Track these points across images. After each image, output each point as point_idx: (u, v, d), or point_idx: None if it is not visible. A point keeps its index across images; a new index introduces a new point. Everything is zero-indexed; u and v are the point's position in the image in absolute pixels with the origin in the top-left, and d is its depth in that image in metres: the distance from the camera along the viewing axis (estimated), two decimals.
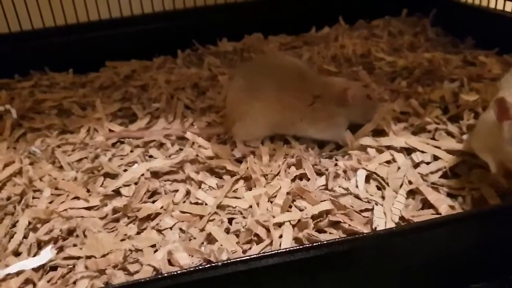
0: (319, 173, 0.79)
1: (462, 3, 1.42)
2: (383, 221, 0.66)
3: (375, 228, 0.65)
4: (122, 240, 0.68)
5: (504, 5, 1.28)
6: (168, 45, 1.38)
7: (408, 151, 0.80)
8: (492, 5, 1.32)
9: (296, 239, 0.65)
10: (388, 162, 0.78)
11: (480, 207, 0.68)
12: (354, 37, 1.39)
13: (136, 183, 0.78)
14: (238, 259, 0.51)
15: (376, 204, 0.69)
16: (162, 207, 0.73)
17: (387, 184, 0.74)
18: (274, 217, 0.67)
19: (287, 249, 0.51)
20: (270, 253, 0.51)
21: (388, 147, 0.81)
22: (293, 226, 0.67)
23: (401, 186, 0.72)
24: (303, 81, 0.86)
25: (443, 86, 1.03)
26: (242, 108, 0.87)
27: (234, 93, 0.91)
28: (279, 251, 0.51)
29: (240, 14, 1.46)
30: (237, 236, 0.67)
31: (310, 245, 0.51)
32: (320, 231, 0.67)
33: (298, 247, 0.52)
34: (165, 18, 1.42)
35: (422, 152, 0.79)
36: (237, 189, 0.76)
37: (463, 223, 0.58)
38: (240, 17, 1.45)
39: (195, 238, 0.67)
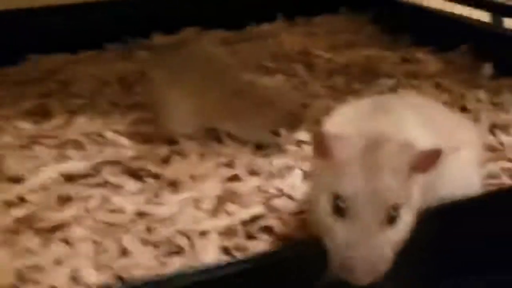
0: (253, 174, 0.72)
1: (400, 2, 1.41)
2: None
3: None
4: (23, 255, 0.59)
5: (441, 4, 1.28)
6: (96, 38, 1.28)
7: None
8: (429, 4, 1.32)
9: (224, 249, 0.58)
10: None
11: None
12: (293, 34, 1.35)
13: (45, 189, 0.69)
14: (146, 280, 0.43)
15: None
16: (73, 216, 0.64)
17: None
18: (199, 224, 0.60)
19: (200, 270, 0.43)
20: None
21: None
22: (220, 233, 0.60)
23: None
24: (224, 75, 0.83)
25: (380, 83, 1.00)
26: (164, 97, 0.82)
27: (157, 82, 0.86)
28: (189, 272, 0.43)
29: (176, 7, 1.38)
30: (156, 247, 0.59)
31: (225, 263, 0.44)
32: (251, 237, 0.61)
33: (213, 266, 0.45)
34: (93, 9, 1.32)
35: None
36: (160, 193, 0.69)
37: None
38: (176, 10, 1.37)
39: (108, 252, 0.59)
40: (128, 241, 0.59)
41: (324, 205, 0.42)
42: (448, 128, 0.59)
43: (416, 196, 0.44)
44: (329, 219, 0.42)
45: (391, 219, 0.41)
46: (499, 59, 1.04)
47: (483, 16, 1.20)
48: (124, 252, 0.58)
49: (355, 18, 1.47)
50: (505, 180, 0.71)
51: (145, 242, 0.60)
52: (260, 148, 0.81)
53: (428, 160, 0.43)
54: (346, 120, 0.51)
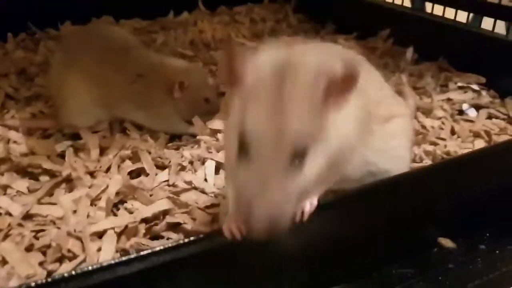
0: (161, 167, 0.66)
1: None
2: None
3: None
4: None
5: None
6: None
7: None
8: None
9: (122, 251, 0.51)
10: None
11: None
12: (215, 23, 1.30)
13: None
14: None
15: (224, 199, 0.58)
16: None
17: None
18: (93, 224, 0.53)
19: (83, 271, 0.36)
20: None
21: None
22: (119, 234, 0.53)
23: None
24: (127, 55, 0.74)
25: None
26: (59, 82, 0.74)
27: (53, 67, 0.78)
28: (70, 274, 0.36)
29: None
30: (44, 253, 0.51)
31: (116, 261, 0.37)
32: (157, 237, 0.54)
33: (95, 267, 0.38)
34: None
35: None
36: (54, 192, 0.60)
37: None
38: None
39: None
40: (5, 248, 0.50)
41: (233, 143, 0.36)
42: (381, 94, 0.54)
43: (332, 134, 0.37)
44: (235, 160, 0.36)
45: (297, 162, 0.35)
46: (420, 44, 1.03)
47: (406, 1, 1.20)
48: (2, 261, 0.50)
49: (278, 8, 1.43)
50: (428, 163, 0.68)
51: (30, 248, 0.51)
52: (172, 139, 0.74)
53: (344, 85, 0.35)
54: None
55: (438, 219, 0.55)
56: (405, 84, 0.89)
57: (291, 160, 0.34)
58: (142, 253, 0.38)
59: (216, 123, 0.73)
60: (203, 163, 0.65)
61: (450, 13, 1.03)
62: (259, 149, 0.34)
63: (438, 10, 1.06)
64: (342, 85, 0.35)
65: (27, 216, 0.56)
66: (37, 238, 0.53)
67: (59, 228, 0.54)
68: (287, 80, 0.35)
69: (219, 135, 0.71)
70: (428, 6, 1.13)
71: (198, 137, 0.70)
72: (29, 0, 1.21)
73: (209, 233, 0.45)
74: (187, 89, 0.73)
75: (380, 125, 0.48)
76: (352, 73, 0.35)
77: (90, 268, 0.35)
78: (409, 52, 1.03)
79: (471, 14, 0.99)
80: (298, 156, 0.35)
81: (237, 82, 0.36)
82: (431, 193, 0.54)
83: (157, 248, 0.39)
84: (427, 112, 0.82)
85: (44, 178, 0.64)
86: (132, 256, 0.37)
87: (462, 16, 1.02)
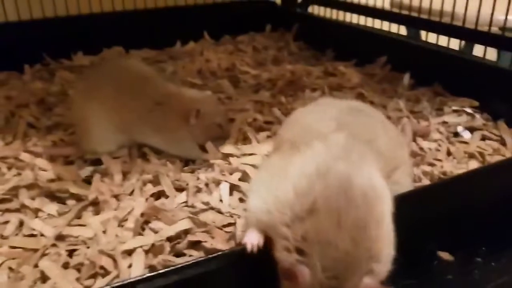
0: (179, 189, 0.71)
1: (322, 18, 1.46)
2: None
3: (239, 243, 0.58)
4: None
5: (359, 19, 1.34)
6: (14, 60, 1.22)
7: None
8: (348, 19, 1.37)
9: (150, 267, 0.56)
10: (253, 171, 0.73)
11: None
12: (220, 52, 1.36)
13: None
14: None
15: (239, 218, 0.63)
16: None
17: None
18: (123, 243, 0.58)
19: (124, 281, 0.41)
20: None
21: (251, 155, 0.76)
22: (147, 252, 0.58)
23: None
24: (145, 86, 0.80)
25: (305, 96, 1.02)
26: (82, 111, 0.79)
27: (75, 97, 0.84)
28: (115, 284, 0.41)
29: (97, 27, 1.34)
30: (79, 270, 0.56)
31: (152, 274, 0.42)
32: (179, 254, 0.59)
33: (137, 278, 0.43)
34: (10, 30, 1.26)
35: None
36: (82, 215, 0.65)
37: None
38: (98, 30, 1.34)
39: (25, 278, 0.55)
40: (46, 265, 0.55)
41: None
42: (392, 150, 0.59)
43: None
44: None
45: None
46: (416, 70, 1.09)
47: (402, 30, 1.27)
48: (43, 278, 0.54)
49: (279, 36, 1.50)
50: (426, 183, 0.73)
51: (66, 265, 0.56)
52: (186, 163, 0.79)
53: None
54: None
55: (437, 234, 0.60)
56: (403, 110, 0.94)
57: None
58: (172, 267, 0.43)
59: (227, 148, 0.78)
60: (217, 185, 0.70)
61: (443, 40, 1.10)
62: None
63: (432, 38, 1.13)
64: None
65: (60, 237, 0.61)
66: (71, 257, 0.58)
67: (89, 247, 0.59)
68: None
69: (231, 159, 0.76)
70: (423, 34, 1.20)
71: (211, 161, 0.76)
72: (43, 32, 1.28)
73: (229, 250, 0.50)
74: (202, 116, 0.78)
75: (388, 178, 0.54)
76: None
77: (135, 279, 0.40)
78: (406, 78, 1.09)
79: (463, 42, 1.05)
80: None
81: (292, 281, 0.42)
82: (430, 210, 0.59)
83: (185, 263, 0.44)
84: (425, 135, 0.88)
85: (71, 202, 0.69)
86: (162, 270, 0.42)
87: (455, 44, 1.09)
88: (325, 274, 0.41)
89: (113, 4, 1.36)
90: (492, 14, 0.96)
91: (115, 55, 1.32)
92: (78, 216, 0.65)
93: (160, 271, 0.42)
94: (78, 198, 0.69)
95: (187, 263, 0.44)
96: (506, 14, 0.95)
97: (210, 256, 0.46)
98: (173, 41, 1.43)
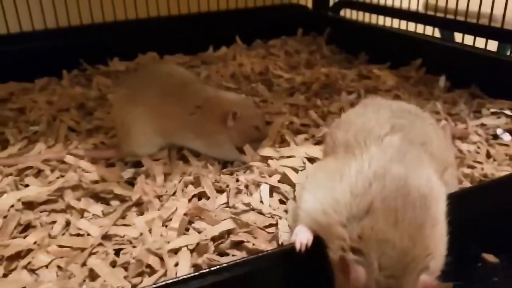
0: (220, 191, 0.72)
1: (354, 21, 1.46)
2: (289, 235, 0.60)
3: (282, 243, 0.59)
4: None
5: (392, 22, 1.33)
6: (52, 65, 1.26)
7: (311, 160, 0.76)
8: (381, 22, 1.37)
9: (195, 266, 0.57)
10: (292, 173, 0.73)
11: None
12: (252, 56, 1.38)
13: (4, 217, 0.66)
14: None
15: (280, 219, 0.64)
16: (35, 242, 0.62)
17: (294, 198, 0.68)
18: (168, 243, 0.59)
19: (180, 278, 0.42)
20: (157, 285, 0.42)
21: (290, 157, 0.76)
22: (191, 251, 0.59)
23: None
24: (186, 90, 0.81)
25: (341, 99, 1.02)
26: (123, 115, 0.81)
27: (117, 102, 0.86)
28: (170, 281, 0.43)
29: (132, 33, 1.37)
30: (126, 269, 0.57)
31: (206, 270, 0.43)
32: (222, 254, 0.60)
33: (192, 274, 0.44)
34: (49, 37, 1.30)
35: None
36: (127, 215, 0.67)
37: None
38: (133, 36, 1.37)
39: (75, 276, 0.56)
40: (94, 264, 0.56)
41: None
42: (442, 152, 0.60)
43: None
44: None
45: None
46: (452, 72, 1.08)
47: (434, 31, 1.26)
48: (91, 276, 0.56)
49: (311, 40, 1.50)
50: (466, 185, 0.73)
51: (113, 264, 0.58)
52: (225, 165, 0.80)
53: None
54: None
55: (481, 236, 0.60)
56: (440, 112, 0.93)
57: None
58: (224, 264, 0.44)
59: (266, 151, 0.79)
60: (257, 186, 0.71)
61: (480, 42, 1.09)
62: None
63: (467, 39, 1.12)
64: None
65: (106, 237, 0.63)
66: (118, 256, 0.59)
67: (135, 247, 0.61)
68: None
69: (270, 161, 0.76)
70: (458, 36, 1.19)
71: (250, 163, 0.76)
72: (80, 38, 1.31)
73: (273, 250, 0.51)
74: (239, 119, 0.79)
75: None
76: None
77: (189, 275, 0.41)
78: (442, 80, 1.08)
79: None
80: None
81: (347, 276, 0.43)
82: (473, 212, 0.58)
83: (232, 262, 0.45)
84: (463, 137, 0.87)
85: (115, 203, 0.71)
86: (219, 266, 0.43)
87: (492, 46, 1.08)
88: (382, 273, 0.41)
89: (148, 10, 1.39)
90: None
91: (150, 60, 1.35)
92: (123, 216, 0.67)
93: (213, 268, 0.43)
94: (122, 199, 0.71)
95: (238, 260, 0.45)
96: None
97: (261, 254, 0.47)
98: (206, 46, 1.45)
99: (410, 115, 0.60)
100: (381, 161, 0.48)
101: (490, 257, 0.59)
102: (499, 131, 0.89)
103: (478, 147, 0.84)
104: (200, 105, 0.80)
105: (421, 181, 0.46)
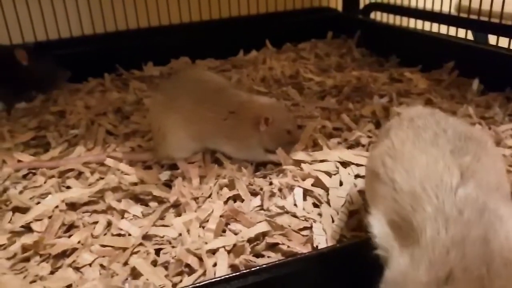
0: (254, 193, 0.74)
1: (385, 24, 1.46)
2: (323, 238, 0.62)
3: (317, 246, 0.60)
4: (32, 282, 0.59)
5: (423, 25, 1.33)
6: (88, 71, 1.31)
7: (344, 165, 0.77)
8: (412, 25, 1.37)
9: (233, 266, 0.59)
10: (325, 177, 0.75)
11: None
12: (282, 60, 1.39)
13: (50, 217, 0.70)
14: None
15: (315, 222, 0.65)
16: (79, 242, 0.65)
17: (327, 202, 0.70)
18: (206, 243, 0.61)
19: (221, 277, 0.44)
20: (201, 283, 0.44)
21: (323, 161, 0.78)
22: (228, 252, 0.61)
23: (343, 205, 0.68)
24: (219, 96, 0.83)
25: (373, 102, 1.03)
26: (160, 121, 0.84)
27: (153, 108, 0.89)
28: (212, 280, 0.45)
29: (165, 38, 1.41)
30: (166, 268, 0.59)
31: (247, 271, 0.45)
32: (258, 255, 0.61)
33: (233, 274, 0.46)
34: (84, 43, 1.35)
35: (357, 165, 0.76)
36: (165, 216, 0.69)
37: None
38: (166, 41, 1.40)
39: (117, 274, 0.59)
40: (137, 263, 0.59)
41: None
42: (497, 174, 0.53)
43: None
44: None
45: None
46: (485, 75, 1.07)
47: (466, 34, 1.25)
48: (134, 274, 0.58)
49: (341, 43, 1.51)
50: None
51: (154, 263, 0.60)
52: (257, 168, 0.82)
53: None
54: None
55: None
56: (473, 116, 0.93)
57: None
58: (264, 265, 0.45)
59: (299, 154, 0.80)
60: (291, 190, 0.72)
61: None
62: None
63: (502, 42, 1.11)
64: None
65: (146, 237, 0.65)
66: (158, 255, 0.62)
67: (174, 247, 0.63)
68: None
69: (302, 165, 0.78)
70: (492, 39, 1.18)
71: (284, 167, 0.78)
72: (115, 44, 1.35)
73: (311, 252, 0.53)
74: (271, 123, 0.81)
75: None
76: None
77: (230, 275, 0.43)
78: (475, 84, 1.07)
79: None
80: None
81: None
82: None
83: (272, 263, 0.47)
84: (497, 141, 0.86)
85: (153, 204, 0.73)
86: (258, 267, 0.45)
87: None
88: None
89: (180, 16, 1.42)
90: None
91: (182, 65, 1.38)
92: (162, 217, 0.69)
93: (253, 269, 0.44)
94: (160, 200, 0.73)
95: (277, 262, 0.47)
96: None
97: (300, 256, 0.48)
98: (236, 50, 1.47)
99: (472, 144, 0.52)
100: (458, 225, 0.43)
101: None
102: None
103: None
104: (233, 110, 0.82)
105: (503, 242, 0.42)
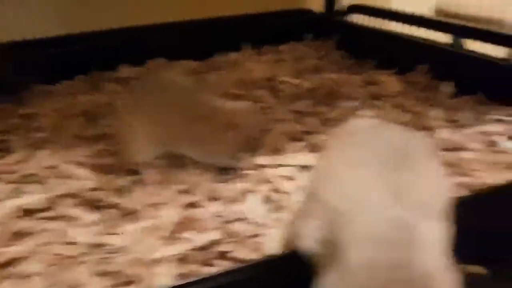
0: (213, 199, 0.72)
1: (363, 27, 1.45)
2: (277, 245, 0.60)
3: (268, 253, 0.59)
4: None
5: (403, 28, 1.32)
6: (60, 72, 1.28)
7: (305, 169, 0.76)
8: (396, 29, 1.36)
9: (182, 275, 0.57)
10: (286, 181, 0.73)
11: None
12: (261, 62, 1.38)
13: (1, 224, 0.68)
14: None
15: (271, 228, 0.64)
16: (27, 250, 0.63)
17: (285, 207, 0.68)
18: (154, 252, 0.59)
19: None
20: None
21: (284, 166, 0.76)
22: (176, 261, 0.59)
23: None
24: (187, 100, 0.82)
25: (344, 105, 1.01)
26: (125, 126, 0.83)
27: (119, 113, 0.87)
28: None
29: (142, 39, 1.39)
30: (113, 278, 0.58)
31: (189, 281, 0.43)
32: (209, 264, 0.60)
33: (175, 285, 0.45)
34: (58, 44, 1.33)
35: None
36: (119, 223, 0.68)
37: None
38: (143, 42, 1.39)
39: (61, 285, 0.57)
40: (81, 273, 0.57)
41: None
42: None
43: None
44: None
45: None
46: (459, 78, 1.06)
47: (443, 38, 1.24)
48: (77, 285, 0.57)
49: (320, 45, 1.50)
50: (464, 193, 0.71)
51: (99, 273, 0.58)
52: (222, 173, 0.81)
53: None
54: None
55: (469, 247, 0.58)
56: (442, 119, 0.92)
57: None
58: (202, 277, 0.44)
59: (261, 159, 0.79)
60: (249, 195, 0.71)
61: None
62: None
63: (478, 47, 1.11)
64: None
65: (94, 245, 0.63)
66: (104, 264, 0.60)
67: (123, 255, 0.61)
68: None
69: (264, 169, 0.76)
70: (470, 43, 1.18)
71: (244, 172, 0.77)
72: (90, 45, 1.34)
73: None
74: (238, 129, 0.80)
75: None
76: None
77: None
78: (447, 86, 1.06)
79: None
80: None
81: None
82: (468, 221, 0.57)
83: (218, 272, 0.45)
84: (462, 144, 0.85)
85: (107, 211, 0.71)
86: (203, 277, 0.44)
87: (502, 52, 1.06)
88: None
89: (158, 16, 1.40)
90: None
91: (158, 66, 1.36)
92: (113, 225, 0.68)
93: (196, 279, 0.43)
94: (114, 207, 0.72)
95: (220, 272, 0.45)
96: None
97: (245, 265, 0.47)
98: (215, 51, 1.46)
99: (408, 161, 0.50)
100: (383, 247, 0.42)
101: (478, 269, 0.58)
102: (500, 139, 0.87)
103: (477, 155, 0.82)
104: (200, 114, 0.81)
105: (424, 266, 0.42)
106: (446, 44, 1.23)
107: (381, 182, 0.47)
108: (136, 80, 1.02)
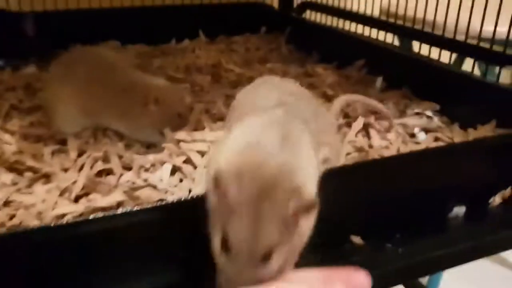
0: (127, 168, 0.76)
1: (311, 22, 1.50)
2: None
3: None
4: None
5: (357, 27, 1.38)
6: (15, 49, 1.30)
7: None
8: (347, 27, 1.41)
9: None
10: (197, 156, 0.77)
11: None
12: (212, 50, 1.41)
13: None
14: None
15: (172, 194, 0.68)
16: None
17: (192, 179, 0.72)
18: (57, 210, 0.63)
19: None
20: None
21: (200, 141, 0.80)
22: (78, 217, 0.62)
23: None
24: (113, 73, 0.86)
25: None
26: (53, 97, 0.86)
27: (47, 84, 0.90)
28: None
29: (96, 22, 1.41)
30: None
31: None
32: None
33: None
34: (13, 21, 1.34)
35: None
36: (33, 185, 0.71)
37: None
38: (97, 25, 1.41)
39: None
40: None
41: (217, 241, 0.46)
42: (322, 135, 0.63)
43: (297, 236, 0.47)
44: (219, 255, 0.46)
45: (265, 259, 0.45)
46: (389, 74, 1.12)
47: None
48: None
49: (272, 38, 1.54)
50: None
51: (1, 226, 0.62)
52: (148, 147, 0.84)
53: (307, 208, 0.46)
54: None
55: (351, 218, 0.63)
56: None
57: (261, 259, 0.44)
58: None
59: (181, 134, 0.83)
60: (161, 165, 0.75)
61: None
62: (238, 252, 0.44)
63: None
64: (306, 209, 0.46)
65: (6, 202, 0.67)
66: (11, 220, 0.63)
67: (29, 212, 0.65)
68: (264, 203, 0.44)
69: (181, 144, 0.80)
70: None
71: (163, 145, 0.80)
72: (44, 25, 1.35)
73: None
74: (161, 104, 0.83)
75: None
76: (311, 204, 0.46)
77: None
78: (379, 81, 1.12)
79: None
80: (267, 256, 0.45)
81: (222, 196, 0.45)
82: (346, 193, 0.61)
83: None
84: (380, 133, 0.90)
85: (27, 174, 0.74)
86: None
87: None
88: None
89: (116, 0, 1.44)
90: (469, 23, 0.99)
91: (111, 48, 1.39)
92: (29, 186, 0.71)
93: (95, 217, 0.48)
94: (34, 170, 0.75)
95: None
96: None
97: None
98: (169, 38, 1.49)
99: (298, 95, 0.65)
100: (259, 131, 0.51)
101: (358, 239, 0.63)
102: (416, 130, 0.92)
103: (390, 143, 0.87)
104: (124, 88, 0.84)
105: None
106: (379, 41, 1.28)
107: (276, 97, 0.60)
108: (66, 52, 1.05)
